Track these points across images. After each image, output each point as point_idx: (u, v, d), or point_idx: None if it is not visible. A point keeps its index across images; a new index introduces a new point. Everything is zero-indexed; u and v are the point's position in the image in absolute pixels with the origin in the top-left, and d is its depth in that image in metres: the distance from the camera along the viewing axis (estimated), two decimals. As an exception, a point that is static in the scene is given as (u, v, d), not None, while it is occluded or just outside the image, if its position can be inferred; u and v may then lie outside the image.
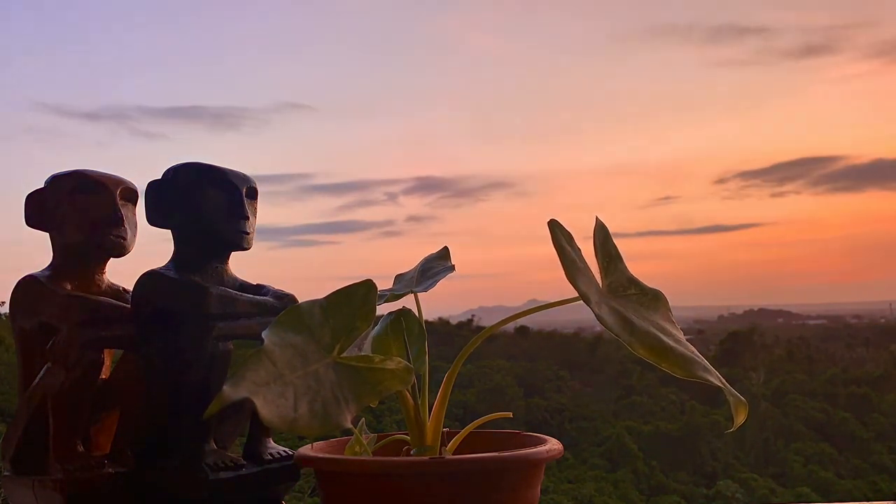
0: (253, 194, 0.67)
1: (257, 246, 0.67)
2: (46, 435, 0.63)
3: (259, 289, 0.67)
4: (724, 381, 0.54)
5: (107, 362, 0.68)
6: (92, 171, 0.69)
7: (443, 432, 0.58)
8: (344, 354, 0.50)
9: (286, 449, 0.65)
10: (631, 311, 0.55)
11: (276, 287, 0.67)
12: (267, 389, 0.44)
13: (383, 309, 0.63)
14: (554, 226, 0.55)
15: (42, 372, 0.64)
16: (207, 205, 0.64)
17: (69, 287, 0.67)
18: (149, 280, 0.63)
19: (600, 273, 0.57)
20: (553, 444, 0.57)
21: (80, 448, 0.63)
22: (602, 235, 0.58)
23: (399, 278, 0.69)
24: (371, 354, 0.57)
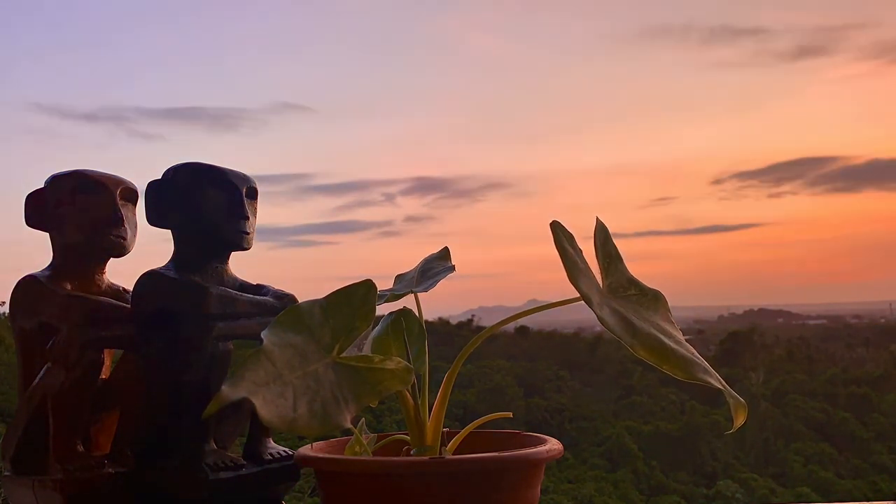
0: (253, 194, 0.67)
1: (257, 246, 0.67)
2: (46, 435, 0.63)
3: (259, 289, 0.67)
4: (724, 383, 0.54)
5: (107, 362, 0.68)
6: (92, 171, 0.69)
7: (443, 432, 0.58)
8: (344, 354, 0.50)
9: (286, 449, 0.65)
10: (631, 312, 0.55)
11: (276, 287, 0.67)
12: (266, 389, 0.44)
13: (383, 309, 0.63)
14: (556, 227, 0.55)
15: (42, 372, 0.64)
16: (207, 205, 0.64)
17: (69, 287, 0.67)
18: (149, 280, 0.63)
19: (601, 274, 0.57)
20: (553, 444, 0.57)
21: (80, 448, 0.63)
22: (602, 236, 0.58)
23: (399, 278, 0.69)
24: (371, 354, 0.57)
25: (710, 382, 0.53)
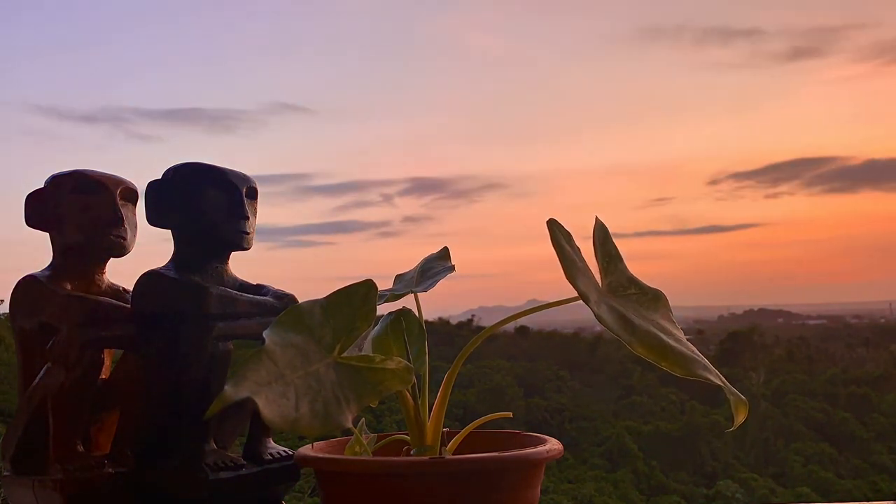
0: (253, 194, 0.67)
1: (256, 246, 0.67)
2: (46, 435, 0.63)
3: (259, 289, 0.67)
4: (723, 379, 0.55)
5: (107, 362, 0.68)
6: (92, 171, 0.69)
7: (443, 432, 0.58)
8: (344, 354, 0.50)
9: (286, 449, 0.65)
10: (631, 311, 0.55)
11: (276, 287, 0.67)
12: (268, 389, 0.44)
13: (383, 309, 0.63)
14: (553, 225, 0.55)
15: (42, 372, 0.64)
16: (207, 205, 0.64)
17: (69, 287, 0.67)
18: (149, 280, 0.63)
19: (600, 273, 0.57)
20: (553, 444, 0.57)
21: (80, 448, 0.63)
22: (602, 235, 0.58)
23: (399, 278, 0.69)
24: (371, 354, 0.57)
25: (709, 379, 0.53)
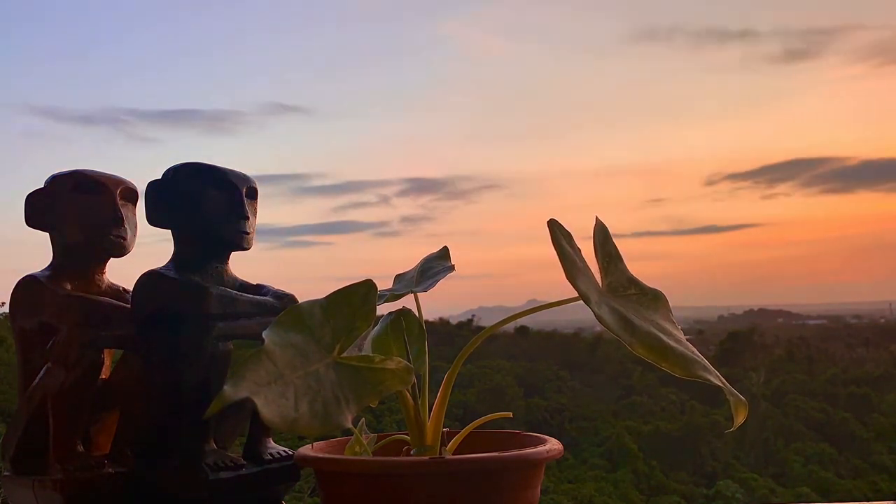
0: (253, 194, 0.67)
1: (255, 246, 0.67)
2: (46, 435, 0.63)
3: (259, 289, 0.67)
4: (723, 380, 0.54)
5: (107, 362, 0.68)
6: (92, 171, 0.69)
7: (443, 432, 0.58)
8: (344, 354, 0.50)
9: (286, 449, 0.65)
10: (631, 311, 0.55)
11: (276, 287, 0.67)
12: (268, 389, 0.44)
13: (383, 309, 0.63)
14: (553, 225, 0.55)
15: (42, 372, 0.64)
16: (207, 205, 0.64)
17: (69, 287, 0.67)
18: (149, 280, 0.63)
19: (600, 273, 0.57)
20: (553, 444, 0.57)
21: (80, 448, 0.63)
22: (602, 235, 0.58)
23: (399, 278, 0.69)
24: (371, 354, 0.57)
25: (709, 380, 0.53)
